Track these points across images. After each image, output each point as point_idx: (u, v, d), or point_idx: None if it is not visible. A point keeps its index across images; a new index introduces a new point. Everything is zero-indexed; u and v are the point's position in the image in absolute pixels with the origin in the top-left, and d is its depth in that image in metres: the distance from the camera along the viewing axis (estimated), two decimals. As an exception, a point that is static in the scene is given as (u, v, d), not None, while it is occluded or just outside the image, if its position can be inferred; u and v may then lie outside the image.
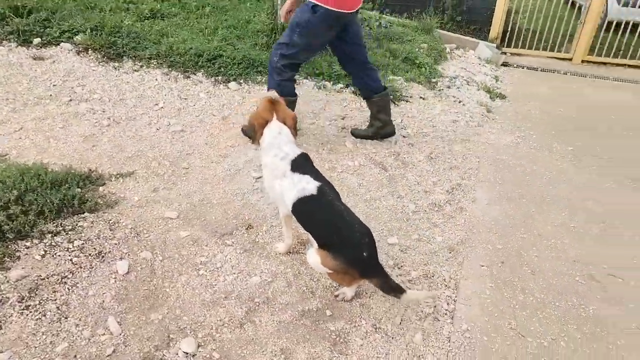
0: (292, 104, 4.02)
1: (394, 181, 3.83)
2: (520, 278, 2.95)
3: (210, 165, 3.82)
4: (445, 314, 2.65)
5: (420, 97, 5.49)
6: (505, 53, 8.47)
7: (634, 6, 8.44)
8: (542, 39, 8.48)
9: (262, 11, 7.40)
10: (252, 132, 2.75)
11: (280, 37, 4.02)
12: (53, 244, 2.83)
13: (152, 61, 5.24)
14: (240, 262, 2.91)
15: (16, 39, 5.08)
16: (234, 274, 2.83)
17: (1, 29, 5.14)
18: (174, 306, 2.57)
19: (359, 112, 4.89)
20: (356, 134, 4.41)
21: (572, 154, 4.72)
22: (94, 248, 2.85)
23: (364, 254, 2.42)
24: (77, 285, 2.59)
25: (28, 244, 2.80)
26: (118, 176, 3.55)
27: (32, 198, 3.05)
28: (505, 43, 8.62)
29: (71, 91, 4.58)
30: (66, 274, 2.64)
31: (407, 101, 5.31)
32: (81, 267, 2.71)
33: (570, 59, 8.29)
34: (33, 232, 2.88)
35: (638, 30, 8.00)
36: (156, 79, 4.98)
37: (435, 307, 2.69)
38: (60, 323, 2.36)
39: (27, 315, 2.37)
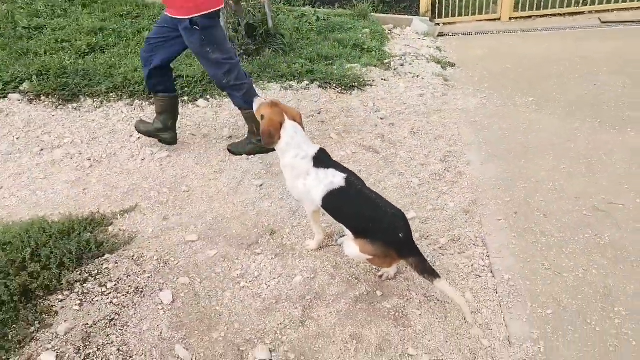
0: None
1: (389, 161, 3.97)
2: (536, 223, 3.18)
3: (210, 183, 3.81)
4: (484, 269, 2.82)
5: (382, 79, 5.67)
6: (438, 24, 8.81)
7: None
8: (469, 5, 8.90)
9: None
10: (270, 138, 2.78)
11: (206, 68, 3.97)
12: (85, 291, 2.77)
13: (111, 95, 5.11)
14: (276, 267, 2.95)
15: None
16: (275, 278, 2.87)
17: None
18: (230, 321, 2.58)
19: (333, 103, 5.00)
20: (235, 151, 4.18)
21: (535, 104, 5.05)
22: (129, 286, 2.81)
23: (400, 235, 2.52)
24: (128, 324, 2.55)
25: (60, 297, 2.72)
26: (122, 213, 3.48)
27: (47, 252, 2.95)
28: (437, 15, 8.97)
29: (38, 140, 4.40)
30: (112, 316, 2.60)
31: (371, 85, 5.47)
32: (124, 307, 2.67)
33: (499, 19, 8.75)
34: (61, 284, 2.80)
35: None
36: (122, 112, 4.87)
37: (472, 265, 2.85)
38: (129, 364, 2.33)
39: (91, 364, 2.32)
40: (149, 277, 2.88)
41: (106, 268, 2.94)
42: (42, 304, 2.67)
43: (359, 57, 6.27)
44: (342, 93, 5.25)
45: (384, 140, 4.30)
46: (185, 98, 5.06)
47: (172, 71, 4.15)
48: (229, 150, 4.18)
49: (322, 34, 7.27)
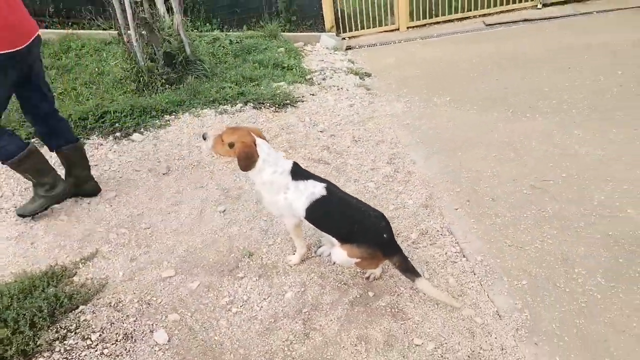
0: (75, 152, 3.83)
1: (341, 170, 4.15)
2: (488, 207, 3.51)
3: (170, 217, 3.73)
4: (457, 255, 3.07)
5: (311, 94, 5.86)
6: (344, 38, 9.25)
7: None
8: (369, 18, 9.44)
9: (110, 60, 7.12)
10: (250, 160, 2.78)
11: None
12: (68, 348, 2.62)
13: (33, 140, 4.78)
14: (263, 287, 2.98)
15: None
16: (265, 299, 2.90)
17: None
18: (234, 348, 2.58)
19: (271, 122, 5.09)
20: (25, 212, 3.67)
21: (452, 102, 5.52)
22: (116, 333, 2.69)
23: (384, 235, 2.68)
24: (128, 373, 2.45)
25: None
26: (84, 261, 3.30)
27: (13, 315, 2.74)
28: (341, 29, 9.41)
29: (-39, 200, 4.02)
30: (109, 367, 2.47)
31: (302, 101, 5.64)
32: (118, 355, 2.56)
33: (398, 29, 9.39)
34: (39, 346, 2.62)
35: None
36: (50, 157, 4.56)
37: (445, 253, 3.09)
38: (145, 410, 2.24)
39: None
40: (134, 321, 2.78)
41: (84, 320, 2.79)
42: (25, 371, 2.47)
43: (283, 76, 6.42)
44: (277, 111, 5.36)
45: (330, 152, 4.47)
46: (118, 134, 4.88)
47: (62, 120, 3.81)
48: (19, 215, 3.68)
49: (239, 57, 7.35)
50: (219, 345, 2.60)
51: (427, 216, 3.46)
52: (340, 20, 9.37)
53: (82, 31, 8.40)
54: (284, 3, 9.23)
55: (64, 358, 2.55)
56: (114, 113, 5.08)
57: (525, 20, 8.90)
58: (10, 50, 3.14)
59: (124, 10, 5.87)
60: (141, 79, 6.06)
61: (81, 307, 2.87)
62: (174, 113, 5.31)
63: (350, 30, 9.43)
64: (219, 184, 4.08)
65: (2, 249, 3.46)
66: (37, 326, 2.72)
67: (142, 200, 3.94)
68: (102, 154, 4.61)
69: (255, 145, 2.79)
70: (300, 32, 9.21)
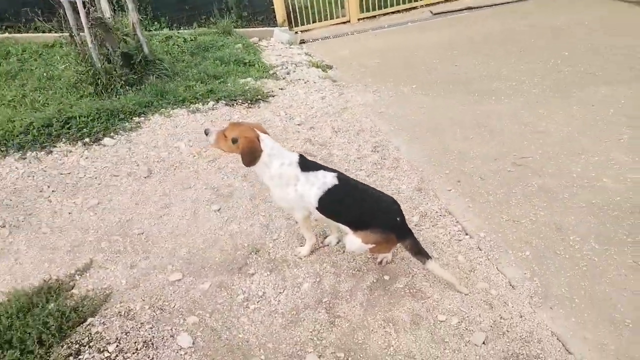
0: None
1: (328, 161, 4.18)
2: (478, 186, 3.67)
3: (163, 220, 3.62)
4: (460, 233, 3.20)
5: (280, 89, 5.84)
6: (297, 32, 9.25)
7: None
8: (320, 12, 9.49)
9: (58, 64, 6.77)
10: (255, 154, 2.76)
11: None
12: (86, 363, 2.50)
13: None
14: (277, 281, 2.97)
15: None
16: (281, 292, 2.90)
17: None
18: (261, 343, 2.57)
19: (247, 118, 5.04)
20: None
21: (419, 89, 5.68)
22: (134, 342, 2.61)
23: (397, 219, 2.74)
24: (159, 379, 2.39)
25: (62, 376, 2.42)
26: (79, 272, 3.16)
27: (18, 335, 2.59)
28: (293, 24, 9.40)
29: None
30: (137, 376, 2.40)
31: (273, 96, 5.61)
32: (143, 364, 2.47)
33: (349, 21, 9.50)
34: (54, 364, 2.48)
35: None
36: (16, 168, 4.32)
37: (449, 233, 3.21)
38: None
39: None
40: (151, 328, 2.69)
41: (96, 332, 2.68)
42: (44, 390, 2.35)
43: (247, 72, 6.35)
44: (250, 107, 5.31)
45: (313, 144, 4.50)
46: (87, 140, 4.66)
47: None
48: None
49: (196, 55, 7.20)
50: (245, 342, 2.58)
51: (423, 199, 3.57)
52: (291, 14, 9.35)
53: (19, 35, 7.89)
54: (233, -1, 9.09)
55: (84, 373, 2.44)
56: (79, 118, 4.84)
57: (469, 8, 9.28)
58: None
59: (75, 11, 5.59)
60: (99, 81, 5.80)
61: (89, 320, 2.74)
62: (142, 115, 5.13)
63: (302, 24, 9.44)
64: (207, 184, 4.00)
65: (-16, 269, 3.23)
66: (45, 344, 2.58)
67: (128, 206, 3.80)
68: (73, 161, 4.39)
69: (259, 140, 2.77)
70: (253, 27, 9.11)
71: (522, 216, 3.27)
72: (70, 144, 4.62)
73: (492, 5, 9.22)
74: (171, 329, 2.68)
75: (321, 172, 2.80)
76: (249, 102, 5.40)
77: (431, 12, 9.39)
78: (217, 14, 9.10)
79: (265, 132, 2.90)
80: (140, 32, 6.21)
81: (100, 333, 2.67)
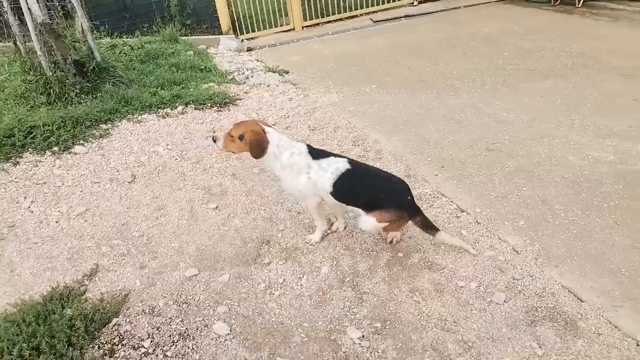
0: None
1: (315, 156, 4.31)
2: (461, 170, 3.96)
3: (161, 221, 3.57)
4: (456, 211, 3.45)
5: (245, 93, 5.89)
6: (243, 40, 9.31)
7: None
8: (264, 20, 9.63)
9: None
10: (263, 146, 2.85)
11: None
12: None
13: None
14: (294, 268, 3.05)
15: None
16: (301, 277, 2.98)
17: None
18: (297, 324, 2.63)
19: (219, 121, 5.05)
20: None
21: (380, 89, 5.97)
22: (169, 336, 2.59)
23: (408, 197, 2.94)
24: (207, 366, 2.39)
25: (103, 375, 2.36)
26: (88, 277, 3.06)
27: (45, 340, 2.49)
28: (238, 32, 9.45)
29: None
30: (182, 367, 2.39)
31: (240, 99, 5.66)
32: (184, 355, 2.47)
33: (294, 29, 9.72)
34: (91, 364, 2.41)
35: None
36: (-17, 179, 4.05)
37: (446, 212, 3.46)
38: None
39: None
40: (182, 321, 2.68)
41: (125, 331, 2.62)
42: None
43: (206, 78, 6.34)
44: (220, 111, 5.32)
45: (294, 142, 4.60)
46: (55, 149, 4.46)
47: None
48: None
49: (146, 62, 7.06)
50: (280, 325, 2.64)
51: (414, 184, 3.80)
52: (236, 22, 9.41)
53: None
54: (177, 7, 9.00)
55: (124, 370, 2.38)
56: (43, 127, 4.62)
57: (407, 16, 9.84)
58: None
59: (19, 18, 5.33)
60: (51, 90, 5.55)
61: (114, 320, 2.67)
62: (109, 121, 5.00)
63: (248, 32, 9.53)
64: (196, 184, 3.99)
65: (-24, 283, 3.02)
66: (75, 346, 2.48)
67: (119, 210, 3.70)
68: (46, 170, 4.19)
69: (265, 132, 2.86)
70: (198, 35, 9.06)
71: (508, 192, 3.60)
72: (37, 154, 4.40)
73: (426, 14, 9.84)
74: (203, 320, 2.68)
75: (332, 158, 2.94)
76: (218, 105, 5.40)
77: (372, 20, 9.84)
78: (159, 22, 8.95)
79: (269, 126, 2.99)
80: (91, 39, 6.02)
81: (130, 331, 2.61)
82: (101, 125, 4.89)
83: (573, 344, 2.39)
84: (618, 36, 7.03)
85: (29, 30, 5.30)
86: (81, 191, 3.94)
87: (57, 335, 2.50)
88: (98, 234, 3.45)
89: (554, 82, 5.53)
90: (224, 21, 9.25)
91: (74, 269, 3.12)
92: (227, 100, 5.49)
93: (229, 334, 2.58)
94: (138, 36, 8.57)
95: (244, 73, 6.85)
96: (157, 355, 2.46)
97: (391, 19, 9.80)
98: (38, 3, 5.32)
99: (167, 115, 5.10)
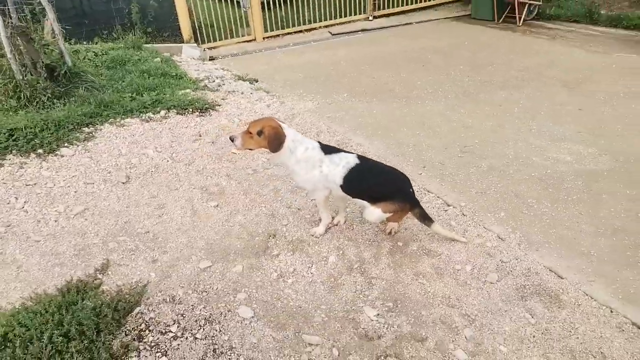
0: None
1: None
2: (442, 170, 4.33)
3: (164, 218, 3.67)
4: (444, 205, 3.79)
5: (222, 99, 6.03)
6: (205, 49, 9.40)
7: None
8: (225, 30, 9.77)
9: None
10: (281, 139, 3.05)
11: None
12: (153, 344, 2.57)
13: None
14: (303, 258, 3.27)
15: None
16: (310, 267, 3.20)
17: None
18: (316, 306, 2.85)
19: (202, 126, 5.17)
20: None
21: (352, 97, 6.30)
22: (196, 320, 2.72)
23: (411, 189, 3.25)
24: (234, 346, 2.55)
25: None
26: (100, 272, 3.12)
27: (75, 327, 2.55)
28: (199, 41, 9.53)
29: None
30: (211, 347, 2.54)
31: (219, 105, 5.79)
32: (213, 336, 2.61)
33: (255, 39, 9.92)
34: (125, 348, 2.51)
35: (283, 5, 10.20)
36: (-34, 181, 3.97)
37: (435, 207, 3.79)
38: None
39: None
40: (204, 308, 2.82)
41: (151, 318, 2.73)
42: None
43: (180, 84, 6.41)
44: (202, 116, 5.44)
45: (280, 145, 4.81)
46: (40, 151, 4.42)
47: None
48: None
49: (113, 68, 7.02)
50: (298, 307, 2.84)
51: (401, 182, 4.11)
52: (197, 31, 9.48)
53: None
54: (138, 14, 8.97)
55: (158, 352, 2.50)
56: (25, 129, 4.56)
57: (363, 30, 10.31)
58: None
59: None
60: (21, 94, 5.46)
61: (137, 308, 2.77)
62: (90, 125, 4.99)
63: (209, 41, 9.63)
64: (193, 184, 4.11)
65: (-16, 281, 3.00)
66: (104, 332, 2.57)
67: (119, 209, 3.76)
68: (33, 172, 4.15)
69: (281, 128, 3.09)
70: (159, 43, 9.06)
71: (485, 188, 3.99)
72: (21, 156, 4.35)
73: (382, 28, 10.36)
74: (225, 305, 2.82)
75: (343, 153, 3.20)
76: (199, 110, 5.51)
77: (330, 33, 10.23)
78: (119, 29, 8.88)
79: (283, 123, 3.21)
80: (62, 44, 5.96)
81: (154, 318, 2.72)
82: (83, 129, 4.88)
83: (559, 313, 2.76)
84: (556, 52, 7.80)
85: (-1, 33, 5.19)
86: (75, 191, 3.95)
87: (84, 322, 2.56)
88: (102, 231, 3.50)
89: (509, 93, 6.10)
90: (186, 29, 9.31)
91: (84, 264, 3.17)
92: (207, 105, 5.61)
93: (253, 316, 2.74)
94: (97, 42, 8.46)
95: (214, 81, 6.97)
96: (186, 338, 2.59)
97: (349, 32, 10.23)
98: (14, 5, 5.24)
99: (151, 120, 5.16)
